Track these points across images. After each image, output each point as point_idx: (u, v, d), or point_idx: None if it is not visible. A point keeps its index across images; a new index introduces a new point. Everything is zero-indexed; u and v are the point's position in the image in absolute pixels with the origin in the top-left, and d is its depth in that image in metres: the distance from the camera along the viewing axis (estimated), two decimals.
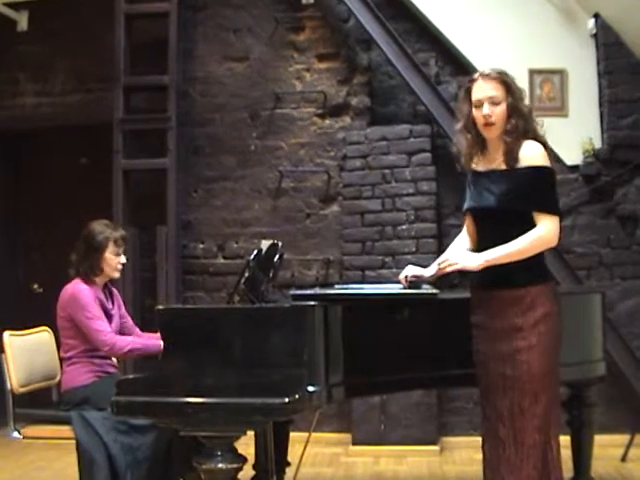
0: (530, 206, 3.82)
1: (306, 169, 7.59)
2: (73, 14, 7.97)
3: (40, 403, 5.18)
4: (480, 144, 4.00)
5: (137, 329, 5.21)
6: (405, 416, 6.87)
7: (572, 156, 6.99)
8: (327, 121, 7.62)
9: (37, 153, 8.50)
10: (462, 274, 4.19)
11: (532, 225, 3.80)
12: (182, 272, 7.67)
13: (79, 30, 7.97)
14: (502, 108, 3.86)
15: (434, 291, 4.19)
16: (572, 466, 5.07)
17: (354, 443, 7.00)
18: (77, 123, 7.96)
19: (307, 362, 3.71)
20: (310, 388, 3.70)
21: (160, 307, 4.31)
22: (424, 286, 4.29)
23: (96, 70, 7.95)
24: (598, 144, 7.01)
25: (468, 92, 3.96)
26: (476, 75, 3.99)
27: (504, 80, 3.90)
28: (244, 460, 3.91)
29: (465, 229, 4.28)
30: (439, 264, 3.96)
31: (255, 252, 4.56)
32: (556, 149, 6.64)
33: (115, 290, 5.24)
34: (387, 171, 7.19)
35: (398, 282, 4.30)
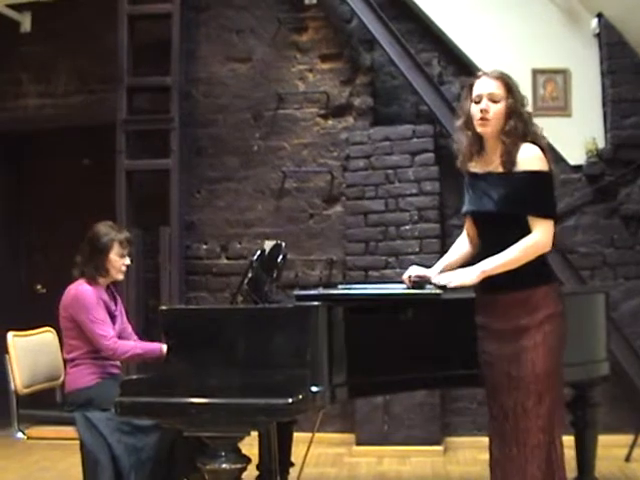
0: (525, 210, 3.82)
1: (309, 169, 7.59)
2: (76, 15, 7.98)
3: (44, 404, 5.18)
4: (477, 143, 4.00)
5: (135, 337, 5.21)
6: (408, 416, 6.88)
7: (575, 156, 6.99)
8: (330, 121, 7.62)
9: (40, 154, 8.51)
10: None
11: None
12: (185, 273, 7.68)
13: (82, 31, 7.97)
14: (500, 107, 3.85)
15: (438, 291, 4.18)
16: (576, 466, 5.05)
17: (358, 443, 7.01)
18: (80, 124, 7.96)
19: (310, 362, 3.70)
20: (313, 388, 3.69)
21: (163, 308, 4.32)
22: (428, 286, 4.29)
23: (99, 71, 7.96)
24: (601, 144, 7.00)
25: (470, 89, 3.96)
26: (480, 73, 4.00)
27: (506, 81, 3.90)
28: (248, 460, 3.90)
29: (465, 233, 4.29)
30: (435, 283, 3.99)
31: (258, 252, 4.57)
32: (559, 149, 6.68)
33: (118, 297, 5.24)
34: (390, 171, 7.18)
35: (401, 282, 4.29)
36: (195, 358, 3.80)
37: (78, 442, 4.59)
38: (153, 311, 7.14)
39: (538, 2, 7.13)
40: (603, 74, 7.04)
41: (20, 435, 4.84)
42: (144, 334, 5.30)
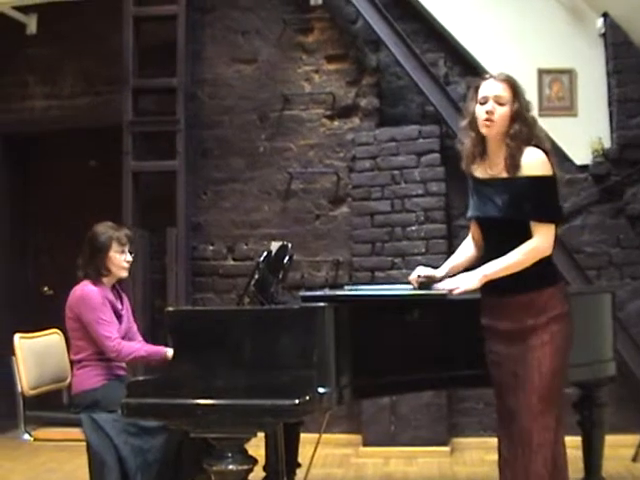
0: (527, 216, 3.84)
1: (315, 170, 7.59)
2: (82, 17, 7.99)
3: (50, 405, 5.18)
4: (481, 145, 4.00)
5: (140, 338, 5.20)
6: (415, 417, 6.87)
7: (581, 156, 6.98)
8: (336, 122, 7.62)
9: (46, 156, 8.52)
10: None
11: None
12: (192, 274, 7.68)
13: (88, 33, 7.99)
14: (506, 110, 3.86)
15: (444, 292, 4.18)
16: (583, 466, 5.06)
17: (364, 444, 7.01)
18: (86, 126, 7.99)
19: (317, 363, 3.70)
20: (320, 389, 3.69)
21: (170, 309, 4.32)
22: (434, 287, 4.29)
23: (105, 73, 7.97)
24: (607, 144, 6.99)
25: (476, 90, 3.97)
26: (487, 75, 4.01)
27: (513, 84, 3.91)
28: (254, 461, 3.90)
29: (470, 235, 4.30)
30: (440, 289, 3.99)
31: (265, 254, 4.56)
32: (565, 149, 6.69)
33: (124, 295, 5.25)
34: (396, 172, 7.18)
35: (408, 283, 4.29)
36: (201, 359, 3.80)
37: (85, 444, 4.59)
38: (159, 312, 7.15)
39: (544, 2, 7.12)
40: (609, 74, 7.04)
41: (27, 437, 4.85)
42: (150, 335, 5.31)
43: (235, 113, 7.79)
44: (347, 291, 5.03)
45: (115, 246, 4.99)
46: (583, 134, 6.97)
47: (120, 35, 7.62)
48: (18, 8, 8.05)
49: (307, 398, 3.64)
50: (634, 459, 6.25)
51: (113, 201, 7.43)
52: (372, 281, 7.04)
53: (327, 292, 5.08)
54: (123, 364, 5.03)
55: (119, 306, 5.04)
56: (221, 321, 3.96)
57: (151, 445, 4.51)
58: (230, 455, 3.78)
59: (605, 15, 7.00)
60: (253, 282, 4.38)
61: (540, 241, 3.80)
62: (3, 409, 7.32)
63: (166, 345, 4.73)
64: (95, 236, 5.00)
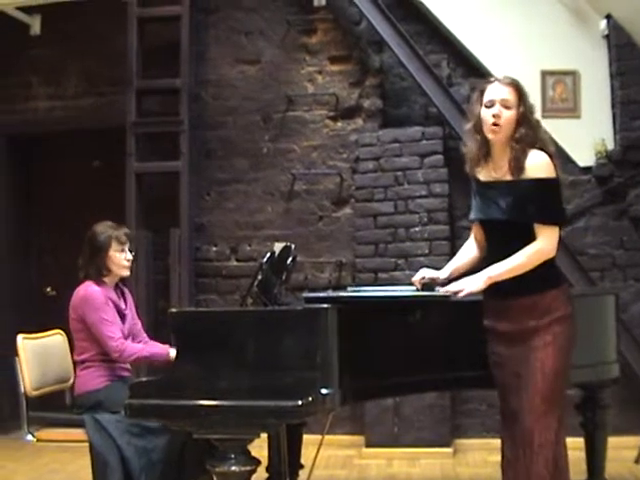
0: (531, 218, 3.85)
1: (318, 171, 7.59)
2: (85, 18, 7.99)
3: (53, 406, 5.19)
4: (485, 148, 4.00)
5: (145, 335, 5.21)
6: (418, 418, 6.87)
7: (585, 157, 6.98)
8: (339, 123, 7.62)
9: (50, 156, 8.52)
10: None
11: None
12: (195, 275, 7.68)
13: (92, 34, 7.99)
14: (512, 114, 3.87)
15: (447, 293, 4.18)
16: (586, 468, 5.06)
17: (367, 445, 7.00)
18: (90, 126, 8.00)
19: (320, 365, 3.70)
20: (323, 391, 3.69)
21: (173, 310, 4.34)
22: (437, 288, 4.29)
23: (108, 73, 7.97)
24: (611, 145, 6.99)
25: (482, 94, 3.97)
26: (492, 78, 4.02)
27: (518, 88, 3.93)
28: (257, 463, 3.90)
29: (473, 237, 4.31)
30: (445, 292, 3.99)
31: (268, 255, 4.56)
32: (569, 150, 6.69)
33: (127, 291, 5.25)
34: (399, 173, 7.18)
35: (411, 284, 4.29)
36: (205, 360, 3.80)
37: (87, 444, 4.59)
38: (163, 313, 7.14)
39: (547, 4, 7.13)
40: (612, 76, 7.04)
41: (30, 437, 4.85)
42: (154, 336, 5.29)
43: (239, 114, 7.79)
44: (350, 292, 5.03)
45: (115, 245, 4.99)
46: (586, 136, 6.97)
47: (124, 36, 7.63)
48: (22, 9, 8.05)
49: (310, 399, 3.64)
50: (637, 461, 6.23)
51: (117, 202, 7.43)
52: (375, 282, 7.04)
53: (330, 293, 5.09)
54: (127, 365, 5.02)
55: (122, 306, 5.04)
56: (224, 322, 3.96)
57: (155, 445, 4.50)
58: (233, 456, 3.78)
59: (608, 17, 7.00)
60: (256, 283, 4.38)
61: (544, 243, 3.82)
62: (6, 410, 7.36)
63: (170, 344, 4.73)
64: (94, 236, 5.00)
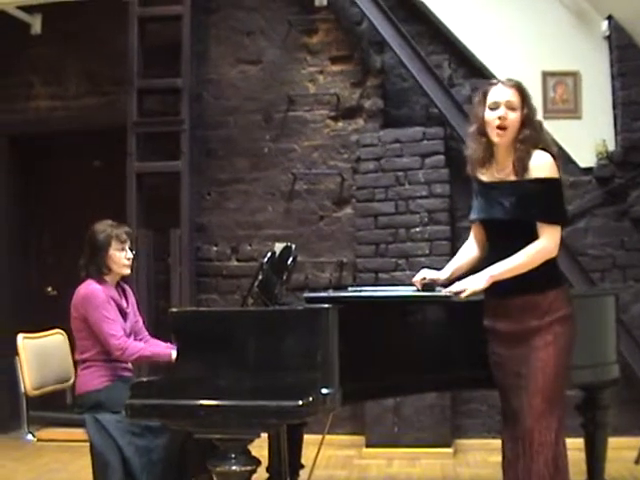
0: (534, 217, 3.86)
1: (319, 172, 7.59)
2: (86, 17, 7.99)
3: (54, 406, 5.19)
4: (489, 150, 4.01)
5: (146, 333, 5.21)
6: (419, 418, 6.87)
7: (586, 158, 6.99)
8: (340, 123, 7.62)
9: (51, 156, 8.51)
10: None
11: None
12: (196, 275, 7.68)
13: (93, 33, 8.00)
14: (517, 115, 3.88)
15: (448, 294, 4.19)
16: (586, 469, 5.05)
17: (367, 445, 7.01)
18: (90, 126, 8.00)
19: (321, 365, 3.69)
20: (324, 391, 3.69)
21: (173, 310, 4.33)
22: (438, 289, 4.29)
23: (109, 73, 7.98)
24: (612, 146, 6.99)
25: (485, 96, 3.97)
26: (495, 80, 4.03)
27: (523, 90, 3.95)
28: (258, 463, 3.90)
29: (472, 237, 4.31)
30: (448, 292, 4.00)
31: (269, 255, 4.57)
32: (570, 151, 6.69)
33: (129, 288, 5.25)
34: (400, 173, 7.18)
35: (412, 284, 4.30)
36: (205, 360, 3.80)
37: (88, 444, 4.59)
38: (163, 313, 7.13)
39: (548, 4, 7.13)
40: (613, 76, 7.04)
41: (30, 437, 4.86)
42: (154, 336, 5.28)
43: (239, 114, 7.79)
44: (351, 292, 5.03)
45: (115, 244, 4.99)
46: (587, 137, 6.97)
47: (125, 35, 7.62)
48: (23, 8, 8.04)
49: (311, 399, 3.64)
50: (637, 461, 6.23)
51: (117, 201, 7.43)
52: (376, 282, 7.04)
53: (331, 293, 5.09)
54: (128, 365, 5.02)
55: (124, 304, 5.04)
56: (225, 322, 3.95)
57: (155, 445, 4.50)
58: (233, 456, 3.78)
59: (610, 18, 7.00)
60: (257, 283, 4.38)
61: (547, 242, 3.83)
62: (6, 409, 7.36)
63: (171, 342, 4.72)
64: (94, 235, 5.00)
